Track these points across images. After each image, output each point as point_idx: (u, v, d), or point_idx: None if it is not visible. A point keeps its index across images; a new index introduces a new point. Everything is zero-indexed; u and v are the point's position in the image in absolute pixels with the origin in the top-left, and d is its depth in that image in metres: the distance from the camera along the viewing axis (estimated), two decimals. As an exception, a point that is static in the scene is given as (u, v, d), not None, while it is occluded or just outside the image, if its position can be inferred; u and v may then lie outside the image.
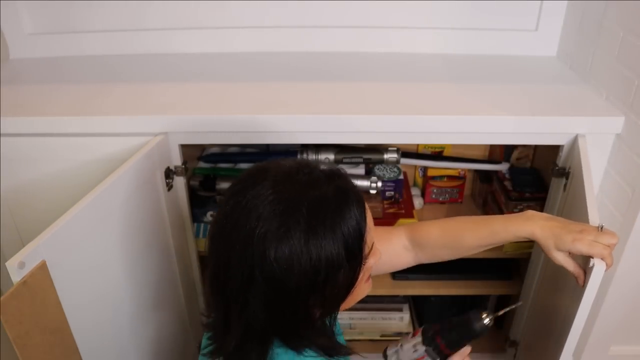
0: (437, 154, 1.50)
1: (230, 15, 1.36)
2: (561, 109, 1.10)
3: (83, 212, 0.85)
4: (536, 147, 1.43)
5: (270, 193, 0.64)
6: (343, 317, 1.57)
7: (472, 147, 1.49)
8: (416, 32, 1.37)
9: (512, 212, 1.31)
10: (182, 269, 1.22)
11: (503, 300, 1.55)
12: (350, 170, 1.45)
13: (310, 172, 0.68)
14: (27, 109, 1.10)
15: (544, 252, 0.80)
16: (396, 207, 1.41)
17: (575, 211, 0.99)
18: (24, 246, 0.74)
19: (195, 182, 1.39)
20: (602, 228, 0.78)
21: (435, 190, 1.53)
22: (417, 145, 1.49)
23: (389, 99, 1.15)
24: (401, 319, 1.57)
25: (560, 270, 0.82)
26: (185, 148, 1.13)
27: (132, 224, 1.00)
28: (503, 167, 1.42)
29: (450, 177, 1.51)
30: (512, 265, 1.48)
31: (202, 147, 1.48)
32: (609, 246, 0.76)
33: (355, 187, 0.70)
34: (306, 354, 0.72)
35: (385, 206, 1.40)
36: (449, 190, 1.53)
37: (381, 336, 1.60)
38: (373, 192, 1.38)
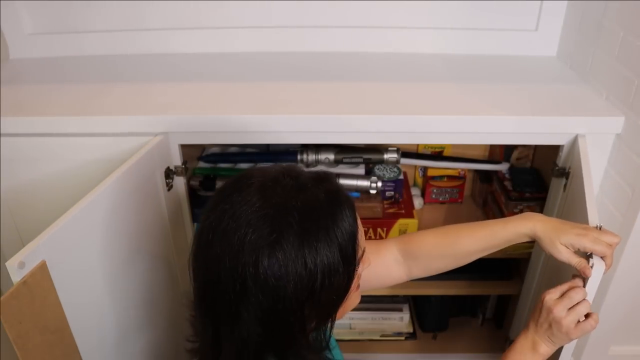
0: (437, 154, 1.50)
1: (230, 16, 1.36)
2: (561, 109, 1.10)
3: (83, 212, 0.85)
4: (536, 147, 1.43)
5: (258, 199, 0.61)
6: (343, 317, 1.57)
7: (472, 147, 1.49)
8: (416, 32, 1.37)
9: (512, 212, 1.31)
10: (181, 268, 1.22)
11: (503, 300, 1.55)
12: (350, 170, 1.45)
13: (298, 177, 0.65)
14: (27, 109, 1.10)
15: (545, 250, 0.79)
16: (396, 207, 1.41)
17: (575, 211, 0.99)
18: (24, 246, 0.74)
19: (195, 182, 1.39)
20: (600, 228, 0.78)
21: (435, 190, 1.53)
22: (417, 145, 1.49)
23: (389, 99, 1.15)
24: (401, 319, 1.57)
25: (560, 270, 0.82)
26: (185, 148, 1.13)
27: (132, 224, 1.00)
28: (503, 167, 1.42)
29: (450, 177, 1.51)
30: (512, 265, 1.48)
31: (202, 147, 1.48)
32: (611, 245, 0.75)
33: (344, 189, 0.68)
34: None
35: (385, 206, 1.40)
36: (449, 190, 1.53)
37: (381, 336, 1.60)
38: (373, 192, 1.38)
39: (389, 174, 1.39)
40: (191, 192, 1.32)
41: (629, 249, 1.04)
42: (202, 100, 1.15)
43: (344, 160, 1.39)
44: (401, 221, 1.35)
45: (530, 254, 1.30)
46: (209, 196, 1.38)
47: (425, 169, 1.52)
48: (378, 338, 1.60)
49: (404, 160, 1.42)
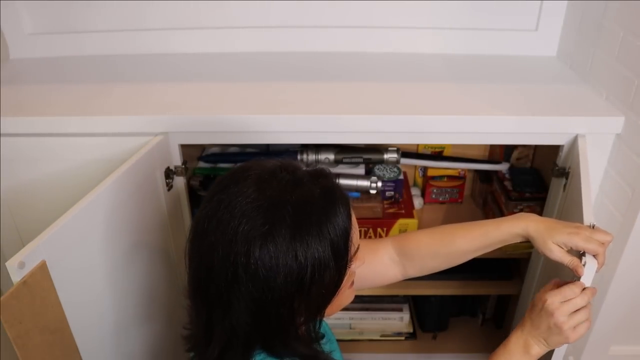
0: (437, 154, 1.50)
1: (231, 16, 1.36)
2: (561, 109, 1.10)
3: (83, 212, 0.85)
4: (536, 147, 1.43)
5: (254, 191, 0.63)
6: (343, 317, 1.57)
7: (472, 147, 1.49)
8: (416, 32, 1.37)
9: (512, 212, 1.31)
10: (181, 268, 1.21)
11: (503, 300, 1.55)
12: (350, 170, 1.45)
13: (294, 171, 0.67)
14: (27, 109, 1.10)
15: (538, 250, 0.79)
16: (396, 207, 1.41)
17: (574, 211, 0.99)
18: (24, 246, 0.74)
19: (195, 182, 1.39)
20: (593, 227, 0.78)
21: (435, 190, 1.53)
22: (417, 145, 1.49)
23: (389, 99, 1.15)
24: (401, 319, 1.57)
25: (559, 270, 0.82)
26: (185, 148, 1.13)
27: (132, 224, 1.00)
28: (503, 167, 1.42)
29: (450, 177, 1.51)
30: (512, 265, 1.48)
31: (202, 147, 1.48)
32: (603, 244, 0.75)
33: (340, 186, 0.68)
34: None
35: (385, 206, 1.40)
36: (449, 190, 1.53)
37: (381, 336, 1.60)
38: (373, 192, 1.38)
39: (389, 174, 1.39)
40: (191, 192, 1.32)
41: (629, 249, 1.04)
42: (202, 100, 1.15)
43: (344, 160, 1.39)
44: (401, 221, 1.35)
45: (530, 254, 1.30)
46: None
47: (425, 169, 1.52)
48: (378, 338, 1.61)
49: (404, 160, 1.42)
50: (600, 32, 1.14)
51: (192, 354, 0.74)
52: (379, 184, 1.37)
